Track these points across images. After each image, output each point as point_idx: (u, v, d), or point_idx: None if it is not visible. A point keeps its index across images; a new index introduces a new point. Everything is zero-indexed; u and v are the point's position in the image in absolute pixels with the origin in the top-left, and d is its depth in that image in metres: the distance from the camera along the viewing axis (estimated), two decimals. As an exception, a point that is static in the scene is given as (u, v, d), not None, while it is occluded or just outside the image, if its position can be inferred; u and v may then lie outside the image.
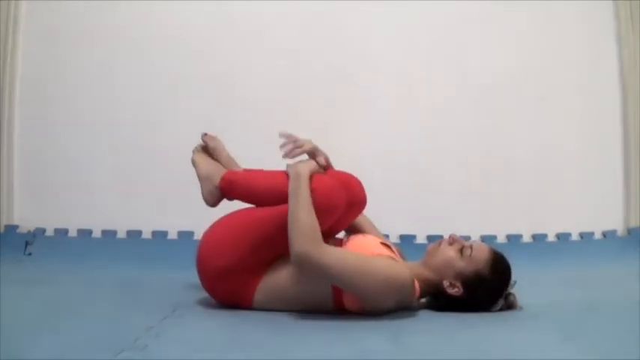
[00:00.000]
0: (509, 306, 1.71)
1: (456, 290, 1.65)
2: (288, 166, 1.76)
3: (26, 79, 2.81)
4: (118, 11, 2.82)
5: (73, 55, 2.82)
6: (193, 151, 1.99)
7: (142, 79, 2.80)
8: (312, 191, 1.64)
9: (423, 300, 1.73)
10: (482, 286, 1.65)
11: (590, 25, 2.95)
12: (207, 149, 2.00)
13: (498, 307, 1.68)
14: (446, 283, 1.66)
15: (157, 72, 2.81)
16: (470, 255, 1.66)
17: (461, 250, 1.68)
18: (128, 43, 2.82)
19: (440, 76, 2.88)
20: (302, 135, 1.82)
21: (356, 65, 2.85)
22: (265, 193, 1.76)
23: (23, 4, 2.81)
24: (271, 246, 1.66)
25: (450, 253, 1.68)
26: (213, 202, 1.89)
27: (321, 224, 1.61)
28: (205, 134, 2.01)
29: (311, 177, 1.67)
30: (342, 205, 1.69)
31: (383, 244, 1.76)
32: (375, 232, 1.95)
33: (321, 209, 1.63)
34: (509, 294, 1.70)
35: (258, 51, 2.82)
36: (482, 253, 1.68)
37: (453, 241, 1.71)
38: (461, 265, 1.66)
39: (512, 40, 2.91)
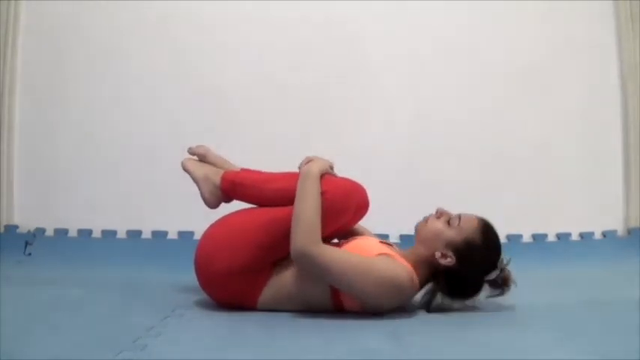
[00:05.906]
0: (505, 280, 1.66)
1: (448, 260, 1.64)
2: (302, 164, 1.74)
3: (26, 78, 2.81)
4: (118, 11, 2.82)
5: (73, 55, 2.82)
6: (182, 162, 1.95)
7: (143, 79, 2.81)
8: (325, 193, 1.63)
9: (424, 291, 1.69)
10: (474, 253, 1.64)
11: (591, 24, 2.96)
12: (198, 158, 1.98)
13: (493, 277, 1.65)
14: (437, 254, 1.64)
15: (157, 72, 2.81)
16: (458, 224, 1.66)
17: (449, 222, 1.68)
18: (128, 43, 2.82)
19: (440, 77, 2.88)
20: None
21: (354, 66, 2.85)
22: (275, 194, 1.72)
23: (23, 4, 2.81)
24: (285, 246, 1.63)
25: (438, 225, 1.68)
26: (214, 203, 1.87)
27: (328, 226, 1.61)
28: (190, 148, 1.98)
29: (322, 178, 1.66)
30: (351, 209, 1.68)
31: (382, 242, 1.75)
32: (369, 234, 1.94)
33: (332, 211, 1.62)
34: (504, 268, 1.67)
35: (259, 44, 2.83)
36: (470, 222, 1.67)
37: (440, 214, 1.71)
38: (450, 234, 1.65)
39: (512, 40, 2.91)
